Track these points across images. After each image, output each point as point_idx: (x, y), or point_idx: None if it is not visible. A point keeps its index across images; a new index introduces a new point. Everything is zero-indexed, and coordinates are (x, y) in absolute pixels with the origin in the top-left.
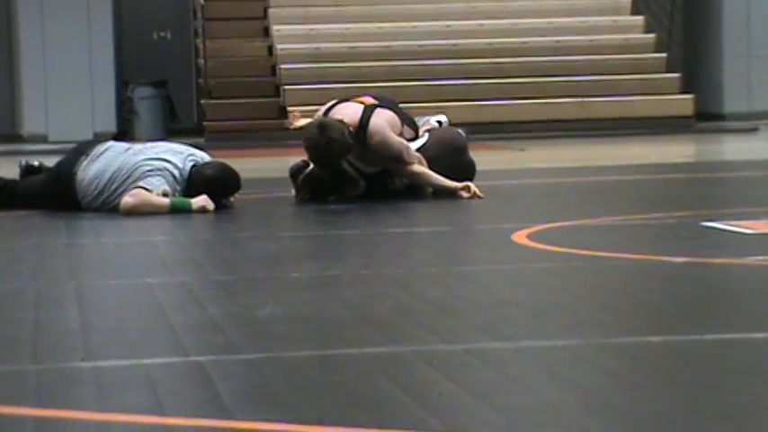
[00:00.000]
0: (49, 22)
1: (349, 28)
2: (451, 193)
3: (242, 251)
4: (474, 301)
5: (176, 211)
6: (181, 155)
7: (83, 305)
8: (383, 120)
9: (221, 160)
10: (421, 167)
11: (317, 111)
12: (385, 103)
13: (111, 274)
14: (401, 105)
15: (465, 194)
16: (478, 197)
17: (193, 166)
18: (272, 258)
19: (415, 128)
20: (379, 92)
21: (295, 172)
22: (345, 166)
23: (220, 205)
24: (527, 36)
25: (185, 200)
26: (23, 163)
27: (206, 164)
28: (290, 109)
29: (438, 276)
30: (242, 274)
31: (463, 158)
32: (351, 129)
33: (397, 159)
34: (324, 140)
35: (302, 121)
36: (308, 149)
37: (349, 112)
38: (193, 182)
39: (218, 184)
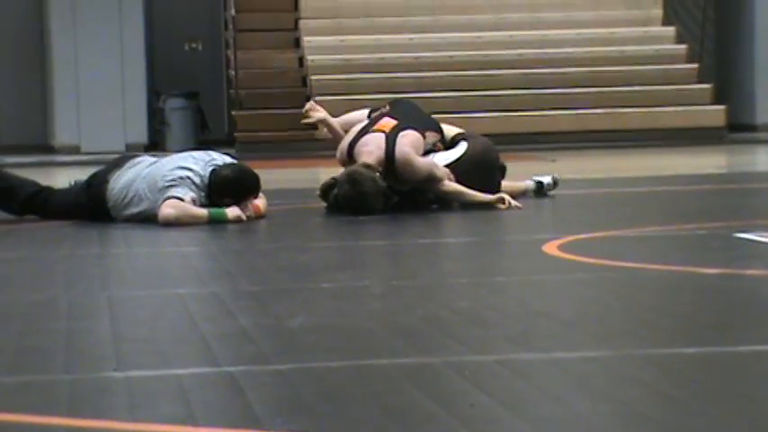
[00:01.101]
0: (81, 33)
1: (379, 39)
2: (486, 206)
3: (272, 261)
4: (505, 311)
5: (214, 221)
6: (202, 161)
7: (115, 315)
8: (407, 146)
9: (241, 162)
10: (453, 185)
11: (345, 120)
12: (404, 119)
13: (143, 284)
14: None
15: (502, 206)
16: (517, 208)
17: (213, 170)
18: (303, 269)
19: (439, 129)
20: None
21: (325, 189)
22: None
23: (244, 210)
24: (558, 47)
25: (221, 210)
26: (73, 182)
27: (224, 165)
28: (308, 106)
29: (468, 287)
30: (273, 285)
31: (495, 175)
32: (379, 169)
33: (428, 180)
34: (357, 195)
35: (317, 115)
36: (345, 205)
37: (373, 148)
38: (212, 184)
39: (236, 184)
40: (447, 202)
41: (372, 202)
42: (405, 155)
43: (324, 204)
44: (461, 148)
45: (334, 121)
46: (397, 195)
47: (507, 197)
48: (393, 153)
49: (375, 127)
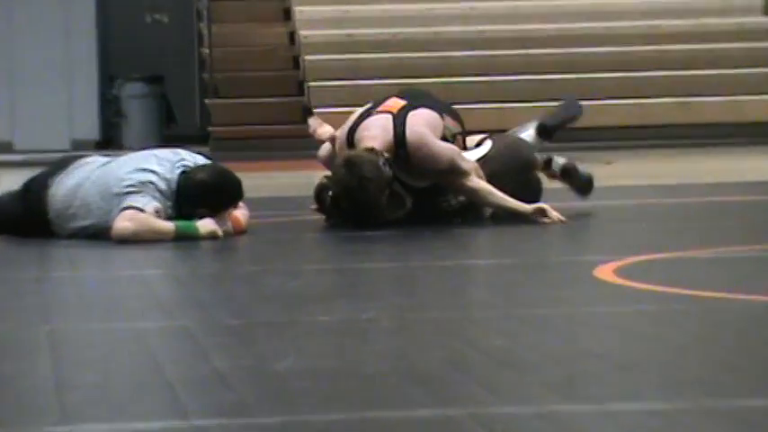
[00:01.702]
0: (17, 6)
1: (389, 10)
2: (520, 217)
3: (256, 288)
4: (545, 351)
5: (181, 237)
6: (168, 163)
7: (58, 355)
8: (421, 125)
9: (218, 163)
10: (480, 182)
11: (340, 128)
12: (416, 100)
13: (94, 316)
14: (454, 106)
15: (544, 219)
16: (561, 222)
17: (183, 173)
18: (294, 298)
19: (458, 118)
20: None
21: (319, 191)
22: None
23: (221, 224)
24: (614, 20)
25: (191, 223)
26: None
27: (197, 167)
28: (310, 121)
29: (501, 321)
30: (256, 318)
31: (530, 177)
32: (385, 154)
33: (449, 170)
34: (354, 181)
35: (327, 133)
36: (340, 196)
37: (377, 132)
38: (182, 190)
39: (212, 190)
40: (473, 212)
41: (374, 190)
42: (419, 136)
43: (322, 217)
44: (486, 146)
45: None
46: (410, 198)
47: (549, 208)
48: (404, 134)
49: (379, 108)
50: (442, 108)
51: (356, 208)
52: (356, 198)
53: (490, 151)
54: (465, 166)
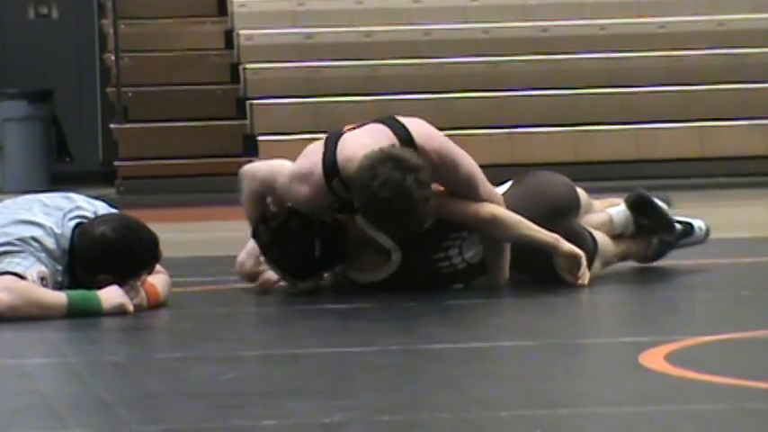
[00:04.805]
0: None
1: (361, 1)
2: (547, 253)
3: (179, 382)
4: None
5: (77, 313)
6: (59, 212)
7: None
8: (427, 127)
9: (125, 214)
10: (504, 211)
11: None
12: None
13: None
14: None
15: (568, 277)
16: (581, 285)
17: (78, 225)
18: (230, 395)
19: None
20: (409, 111)
21: (258, 227)
22: (372, 231)
23: (131, 294)
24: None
25: (91, 294)
26: None
27: (97, 219)
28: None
29: (512, 424)
30: (177, 423)
31: (566, 225)
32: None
33: (465, 186)
34: (408, 182)
35: (273, 279)
36: (384, 203)
37: (370, 142)
38: (77, 249)
39: (118, 250)
40: (484, 277)
41: (425, 192)
42: (432, 133)
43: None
44: (506, 185)
45: None
46: (399, 251)
47: (584, 262)
48: (408, 133)
49: (350, 126)
50: None
51: (400, 220)
52: (406, 206)
53: (511, 187)
54: (484, 188)
